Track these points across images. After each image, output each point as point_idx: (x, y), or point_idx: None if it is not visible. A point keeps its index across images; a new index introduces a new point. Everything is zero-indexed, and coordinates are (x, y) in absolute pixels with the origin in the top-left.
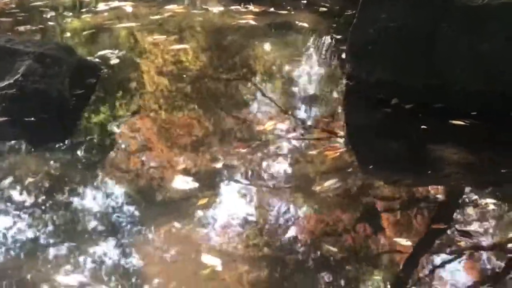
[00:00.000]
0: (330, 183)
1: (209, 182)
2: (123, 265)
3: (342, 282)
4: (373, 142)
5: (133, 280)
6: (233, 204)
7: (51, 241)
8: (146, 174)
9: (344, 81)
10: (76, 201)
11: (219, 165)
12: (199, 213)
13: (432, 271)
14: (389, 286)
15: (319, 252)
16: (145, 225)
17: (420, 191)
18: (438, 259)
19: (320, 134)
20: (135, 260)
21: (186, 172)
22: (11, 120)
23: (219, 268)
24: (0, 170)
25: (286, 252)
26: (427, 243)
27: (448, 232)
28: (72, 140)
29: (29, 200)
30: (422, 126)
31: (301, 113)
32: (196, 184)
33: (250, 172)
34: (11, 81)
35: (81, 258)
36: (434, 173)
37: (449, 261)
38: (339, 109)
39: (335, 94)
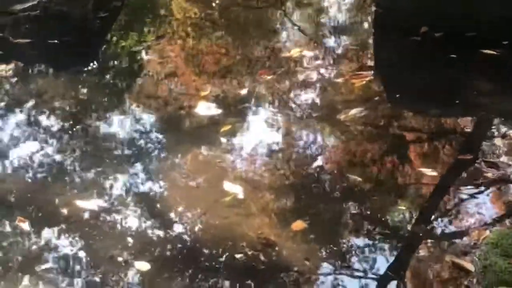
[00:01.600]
0: (355, 111)
1: (234, 109)
2: (146, 190)
3: (367, 212)
4: (401, 71)
5: (156, 205)
6: (257, 132)
7: (76, 165)
8: (173, 100)
9: (373, 9)
10: (102, 126)
11: (244, 91)
12: (223, 139)
13: (458, 203)
14: (414, 217)
15: (344, 182)
16: (169, 151)
17: (448, 122)
18: (464, 190)
19: (347, 62)
20: (157, 186)
21: (211, 98)
22: (34, 42)
23: (241, 196)
24: (26, 93)
25: (311, 181)
26: (454, 174)
27: (475, 163)
28: (97, 64)
29: (55, 124)
30: (452, 55)
31: (329, 42)
32: (220, 111)
33: (275, 100)
34: (35, 2)
35: (105, 183)
36: (463, 103)
37: (476, 193)
38: (368, 38)
39: (363, 23)
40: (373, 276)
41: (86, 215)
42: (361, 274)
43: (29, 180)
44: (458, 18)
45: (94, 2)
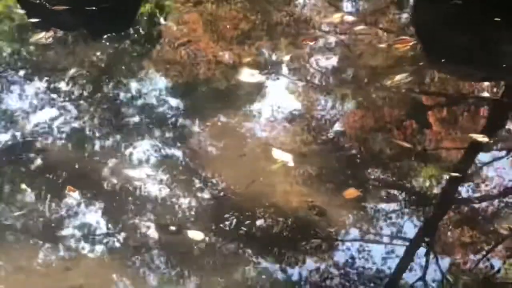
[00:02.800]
0: (401, 77)
1: (275, 76)
2: (193, 160)
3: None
4: (444, 35)
5: (205, 174)
6: (303, 99)
7: (121, 134)
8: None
9: None
10: (148, 95)
11: (286, 57)
12: (268, 107)
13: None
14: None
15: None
16: (197, 115)
17: (492, 85)
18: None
19: (389, 26)
20: (205, 155)
21: (253, 65)
22: (71, 9)
23: (290, 163)
24: (66, 60)
25: (360, 147)
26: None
27: None
28: (132, 29)
29: (96, 93)
30: (495, 19)
31: (369, 6)
32: (264, 77)
33: (317, 66)
34: None
35: (152, 152)
36: (508, 66)
37: None
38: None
39: None
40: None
41: (135, 184)
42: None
43: (74, 149)
44: None
45: None
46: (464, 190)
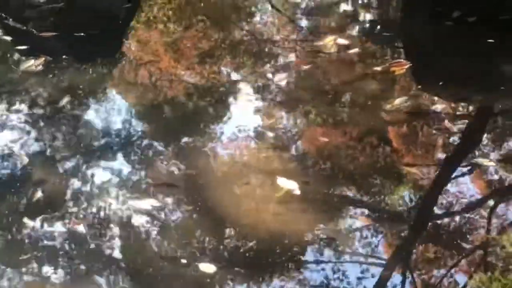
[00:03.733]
0: (400, 101)
1: (275, 100)
2: (200, 191)
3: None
4: (438, 58)
5: (212, 204)
6: (302, 123)
7: (125, 164)
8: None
9: None
10: (146, 126)
11: (283, 82)
12: (270, 133)
13: None
14: None
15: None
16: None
17: (490, 108)
18: None
19: (381, 49)
20: (211, 184)
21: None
22: (59, 36)
23: (296, 191)
24: (57, 89)
25: (368, 171)
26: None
27: None
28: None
29: (97, 121)
30: (489, 40)
31: (359, 27)
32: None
33: (318, 89)
34: None
35: (157, 182)
36: (506, 89)
37: None
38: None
39: (391, 7)
40: None
41: (141, 215)
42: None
43: (77, 180)
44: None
45: None
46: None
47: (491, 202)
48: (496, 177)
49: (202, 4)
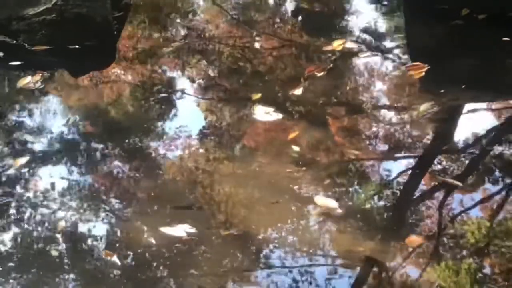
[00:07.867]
0: (426, 107)
1: (292, 112)
2: (232, 215)
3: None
4: (452, 60)
5: (243, 228)
6: (323, 134)
7: (158, 192)
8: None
9: None
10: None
11: (298, 91)
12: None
13: None
14: None
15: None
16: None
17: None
18: None
19: (395, 52)
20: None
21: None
22: (52, 49)
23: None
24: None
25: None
26: None
27: None
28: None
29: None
30: (503, 38)
31: (364, 30)
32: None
33: (333, 97)
34: (49, 5)
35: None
36: None
37: None
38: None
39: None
40: None
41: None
42: None
43: (106, 208)
44: None
45: (111, 1)
46: None
47: None
48: None
49: None
